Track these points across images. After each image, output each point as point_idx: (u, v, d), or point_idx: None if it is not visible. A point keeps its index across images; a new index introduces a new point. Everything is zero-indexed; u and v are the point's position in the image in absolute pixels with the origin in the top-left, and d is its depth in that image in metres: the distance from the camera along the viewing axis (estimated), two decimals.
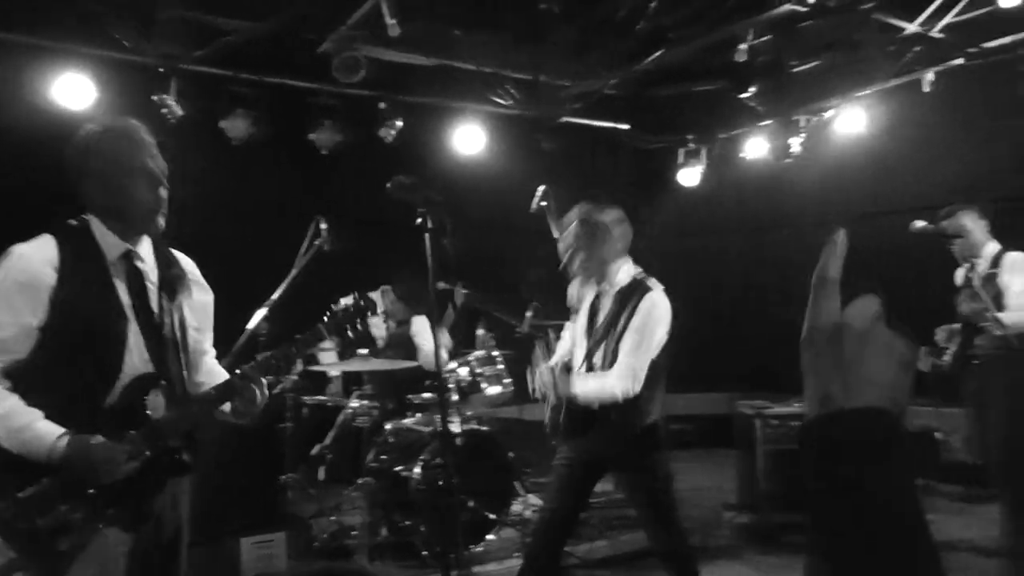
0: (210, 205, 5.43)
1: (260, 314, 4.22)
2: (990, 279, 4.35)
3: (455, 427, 4.58)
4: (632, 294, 3.32)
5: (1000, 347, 4.25)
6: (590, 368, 3.35)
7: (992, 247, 4.46)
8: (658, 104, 7.67)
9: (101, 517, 2.03)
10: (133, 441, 2.07)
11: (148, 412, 2.14)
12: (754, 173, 8.01)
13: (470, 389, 4.73)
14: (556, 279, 3.77)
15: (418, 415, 5.03)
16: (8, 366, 2.05)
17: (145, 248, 2.27)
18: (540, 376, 3.43)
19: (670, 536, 3.35)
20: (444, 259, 2.56)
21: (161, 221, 2.25)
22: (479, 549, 4.53)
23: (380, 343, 5.61)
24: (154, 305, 2.23)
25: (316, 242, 4.49)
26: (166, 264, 2.31)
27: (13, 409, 2.01)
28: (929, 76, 6.10)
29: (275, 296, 4.34)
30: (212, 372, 2.44)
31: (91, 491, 2.01)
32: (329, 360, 5.34)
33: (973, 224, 4.46)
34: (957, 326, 4.58)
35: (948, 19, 5.68)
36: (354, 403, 5.00)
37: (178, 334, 2.26)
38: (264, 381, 2.31)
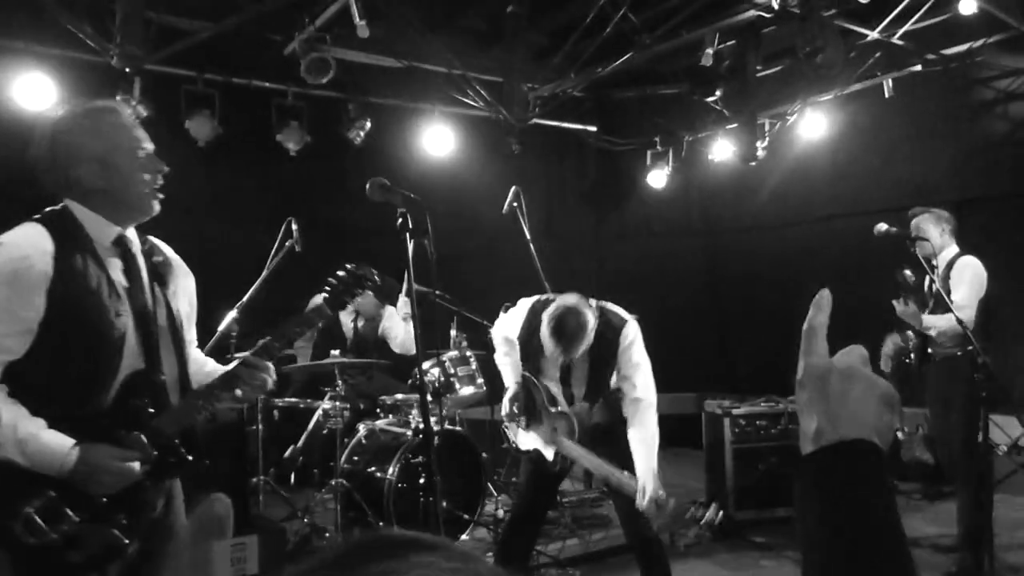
0: (178, 207, 5.36)
1: (231, 315, 4.20)
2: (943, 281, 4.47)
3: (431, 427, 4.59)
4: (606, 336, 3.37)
5: (959, 346, 4.37)
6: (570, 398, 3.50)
7: (950, 251, 4.57)
8: (625, 106, 7.76)
9: (111, 524, 1.95)
10: (139, 444, 1.98)
11: (150, 410, 2.04)
12: (717, 175, 8.14)
13: (444, 389, 4.74)
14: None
15: (391, 416, 5.03)
16: (5, 367, 1.92)
17: (132, 234, 2.16)
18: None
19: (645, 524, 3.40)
20: (424, 259, 2.56)
21: (156, 204, 2.15)
22: None
23: (348, 340, 5.60)
24: (147, 294, 2.11)
25: (288, 243, 4.48)
26: (150, 251, 2.20)
27: (17, 419, 1.88)
28: (889, 82, 6.26)
29: (247, 296, 4.33)
30: (198, 361, 2.35)
31: (102, 500, 1.93)
32: (301, 360, 5.32)
33: (934, 227, 4.57)
34: (901, 339, 4.74)
35: (908, 26, 5.82)
36: (326, 404, 4.97)
37: (171, 324, 2.17)
38: (271, 365, 2.23)
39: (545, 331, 3.22)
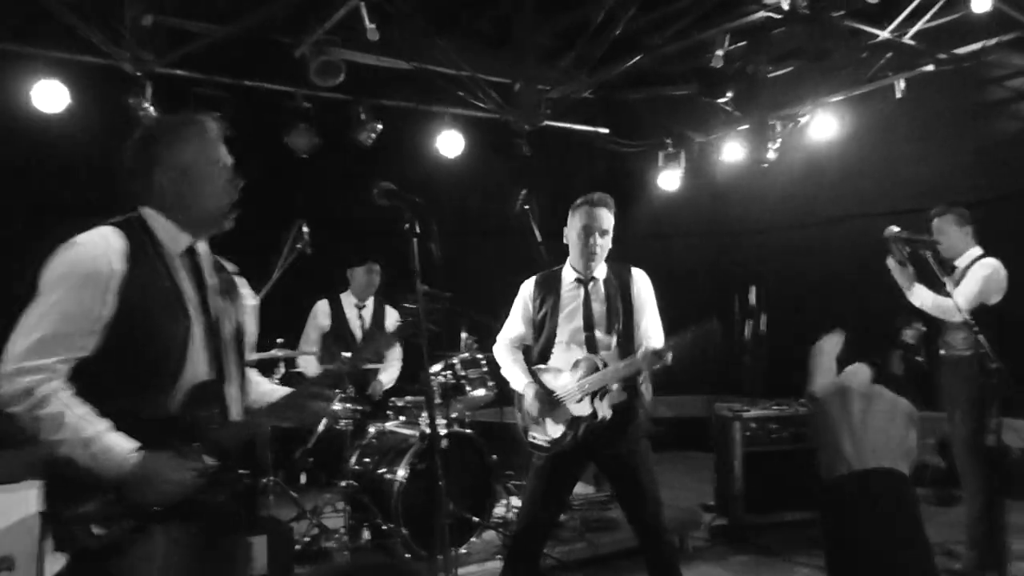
0: None
1: None
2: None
3: (439, 429, 4.59)
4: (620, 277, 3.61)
5: (970, 347, 4.33)
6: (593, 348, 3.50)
7: (973, 251, 4.49)
8: (634, 108, 7.75)
9: (164, 531, 1.94)
10: (198, 455, 1.98)
11: (212, 424, 2.05)
12: (727, 176, 8.12)
13: (454, 391, 4.74)
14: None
15: (401, 418, 5.03)
16: (74, 365, 1.92)
17: (202, 248, 2.19)
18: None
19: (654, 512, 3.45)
20: (430, 262, 2.57)
21: (228, 220, 2.19)
22: (461, 551, 4.54)
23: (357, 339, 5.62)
24: (213, 306, 2.13)
25: (298, 245, 4.50)
26: (218, 266, 2.24)
27: (84, 418, 1.88)
28: (901, 83, 6.22)
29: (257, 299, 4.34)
30: (252, 380, 2.36)
31: (156, 508, 1.93)
32: (311, 364, 5.33)
33: (956, 228, 4.49)
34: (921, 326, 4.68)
35: (919, 26, 5.79)
36: (336, 406, 4.99)
37: (235, 338, 2.18)
38: (331, 393, 2.25)
39: (575, 215, 3.55)
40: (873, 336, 4.48)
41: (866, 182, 7.23)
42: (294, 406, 2.21)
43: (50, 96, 5.30)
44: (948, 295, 4.13)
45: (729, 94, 6.97)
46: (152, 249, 2.05)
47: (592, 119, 7.90)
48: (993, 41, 5.90)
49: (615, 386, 3.41)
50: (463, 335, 5.12)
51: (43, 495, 1.96)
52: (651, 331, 3.53)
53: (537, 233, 4.65)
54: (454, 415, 4.91)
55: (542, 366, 3.62)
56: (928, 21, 5.78)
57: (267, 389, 2.39)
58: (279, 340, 4.83)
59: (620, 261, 3.68)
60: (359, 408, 4.84)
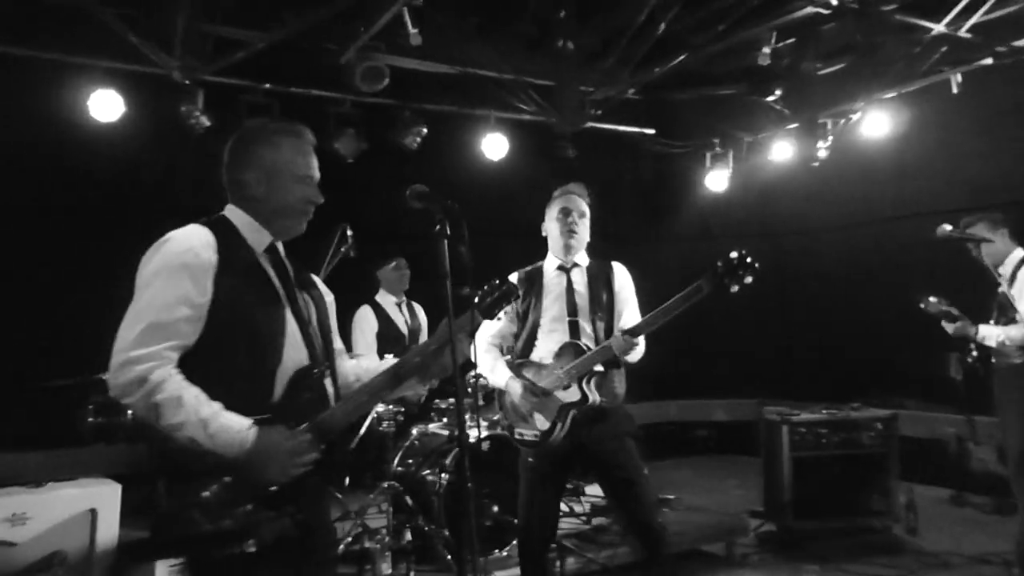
0: None
1: None
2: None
3: (480, 432, 4.59)
4: (601, 268, 3.70)
5: (1020, 356, 4.19)
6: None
7: (1016, 254, 4.35)
8: (679, 108, 7.66)
9: (283, 514, 1.97)
10: (306, 435, 2.02)
11: (316, 408, 2.09)
12: (777, 176, 7.97)
13: (496, 394, 4.73)
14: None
15: (444, 420, 5.05)
16: (181, 354, 1.97)
17: (281, 248, 2.28)
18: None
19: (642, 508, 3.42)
20: (461, 266, 2.56)
21: (303, 225, 2.28)
22: (504, 554, 4.54)
23: (405, 337, 5.65)
24: (299, 299, 2.21)
25: (342, 248, 4.56)
26: (296, 264, 2.31)
27: (199, 399, 1.93)
28: (957, 77, 6.03)
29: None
30: (349, 363, 2.43)
31: (273, 489, 1.95)
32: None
33: (991, 234, 4.36)
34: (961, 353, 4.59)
35: (975, 18, 5.61)
36: (379, 407, 5.03)
37: (322, 327, 2.26)
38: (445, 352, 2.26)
39: (552, 205, 3.72)
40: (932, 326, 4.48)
41: (923, 181, 7.02)
42: (397, 381, 2.22)
43: (106, 105, 5.47)
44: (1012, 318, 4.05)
45: (778, 92, 6.85)
46: (239, 244, 2.14)
47: (638, 120, 7.83)
48: None
49: (600, 367, 3.42)
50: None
51: (162, 489, 1.96)
52: (631, 322, 3.50)
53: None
54: (496, 417, 4.91)
55: (522, 360, 3.63)
56: (985, 13, 5.59)
57: (371, 365, 2.42)
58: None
59: (601, 257, 3.76)
60: (401, 410, 4.87)
